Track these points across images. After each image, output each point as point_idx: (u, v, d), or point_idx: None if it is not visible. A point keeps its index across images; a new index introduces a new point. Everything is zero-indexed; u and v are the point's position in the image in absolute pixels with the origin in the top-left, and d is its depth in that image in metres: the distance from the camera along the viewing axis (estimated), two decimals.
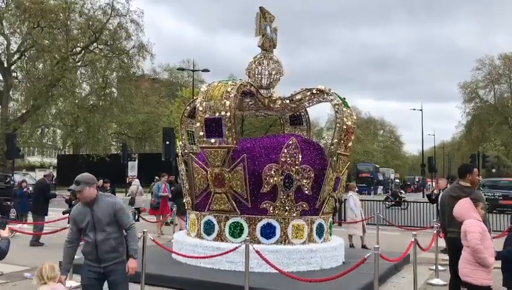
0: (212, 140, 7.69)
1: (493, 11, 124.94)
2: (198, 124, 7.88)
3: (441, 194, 11.81)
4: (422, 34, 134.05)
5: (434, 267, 8.33)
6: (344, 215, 12.80)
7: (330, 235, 8.61)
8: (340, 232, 11.21)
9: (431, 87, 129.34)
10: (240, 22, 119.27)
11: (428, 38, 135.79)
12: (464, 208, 5.36)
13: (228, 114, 7.57)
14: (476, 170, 6.43)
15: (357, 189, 13.21)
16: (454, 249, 5.85)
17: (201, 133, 7.79)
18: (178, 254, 7.95)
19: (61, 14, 34.60)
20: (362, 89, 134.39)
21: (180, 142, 9.17)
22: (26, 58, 35.84)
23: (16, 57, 35.69)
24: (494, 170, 46.57)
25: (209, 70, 34.15)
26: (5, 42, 35.26)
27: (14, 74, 36.49)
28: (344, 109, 8.21)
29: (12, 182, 24.34)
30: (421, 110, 46.71)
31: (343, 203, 15.48)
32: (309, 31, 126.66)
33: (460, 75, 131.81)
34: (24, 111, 36.23)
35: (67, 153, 48.59)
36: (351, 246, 11.27)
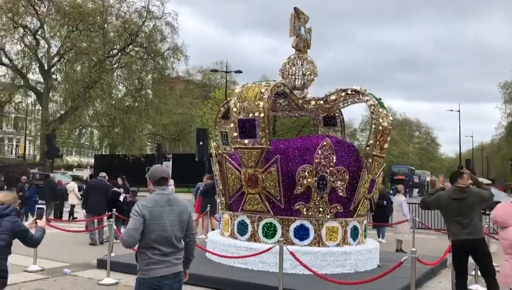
0: (246, 141, 7.71)
1: None
2: (232, 124, 7.93)
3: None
4: (450, 33, 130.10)
5: (473, 273, 8.08)
6: (380, 218, 12.60)
7: (365, 237, 8.49)
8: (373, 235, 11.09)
9: (463, 87, 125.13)
10: (265, 22, 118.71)
11: (456, 37, 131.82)
12: (507, 212, 5.14)
13: (262, 115, 7.58)
14: (465, 175, 6.44)
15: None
16: (460, 251, 6.06)
17: (235, 134, 7.83)
18: (212, 253, 8.02)
19: (98, 18, 35.50)
20: (390, 90, 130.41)
21: (214, 143, 9.24)
22: (65, 60, 36.92)
23: (55, 59, 36.83)
24: None
25: (241, 72, 34.30)
26: (46, 46, 36.43)
27: (53, 76, 37.67)
28: (380, 110, 8.08)
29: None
30: (459, 111, 45.51)
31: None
32: (332, 30, 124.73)
33: (494, 75, 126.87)
34: (63, 112, 37.27)
35: (103, 153, 49.70)
36: (400, 251, 11.13)
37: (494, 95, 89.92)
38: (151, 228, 3.67)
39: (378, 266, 8.02)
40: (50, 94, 37.34)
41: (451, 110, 47.19)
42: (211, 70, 46.11)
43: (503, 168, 59.64)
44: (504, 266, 5.03)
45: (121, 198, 11.83)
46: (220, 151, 8.89)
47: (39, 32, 35.76)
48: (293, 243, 7.55)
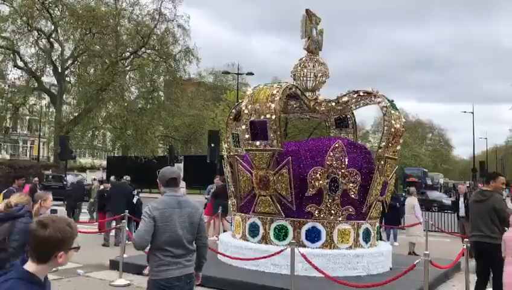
0: (257, 142, 7.72)
1: None
2: (243, 126, 7.94)
3: (460, 199, 12.04)
4: (463, 33, 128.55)
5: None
6: (391, 219, 12.50)
7: (377, 240, 8.44)
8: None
9: (477, 88, 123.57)
10: (276, 23, 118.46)
11: (470, 38, 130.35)
12: None
13: (273, 117, 7.58)
14: (501, 178, 6.47)
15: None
16: (477, 253, 6.23)
17: (247, 136, 7.83)
18: (223, 255, 8.03)
19: (111, 21, 35.78)
20: (402, 91, 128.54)
21: (226, 145, 9.26)
22: (78, 63, 37.28)
23: (69, 62, 37.21)
24: None
25: (253, 74, 34.30)
26: (60, 48, 36.83)
27: (67, 79, 38.06)
28: (392, 112, 8.04)
29: (65, 182, 25.43)
30: (472, 112, 45.05)
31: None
32: (344, 31, 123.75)
33: (508, 76, 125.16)
34: (76, 114, 37.60)
35: (116, 154, 50.08)
36: (412, 253, 11.04)
37: (509, 96, 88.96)
38: (161, 229, 3.67)
39: (391, 268, 7.96)
40: (64, 96, 37.73)
41: (465, 112, 46.74)
42: (222, 72, 46.15)
43: None
44: None
45: (135, 200, 11.90)
46: (231, 153, 8.91)
47: (53, 36, 36.17)
48: (304, 246, 7.53)
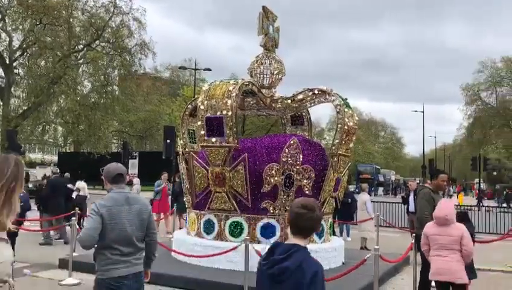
0: (213, 139, 7.68)
1: (484, 11, 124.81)
2: (199, 122, 7.87)
3: (411, 195, 12.59)
4: (416, 34, 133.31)
5: None
6: (344, 216, 12.78)
7: (330, 235, 8.60)
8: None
9: (428, 88, 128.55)
10: (234, 20, 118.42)
11: (420, 39, 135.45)
12: (453, 210, 5.37)
13: (229, 113, 7.56)
14: (441, 176, 6.79)
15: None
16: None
17: (203, 132, 7.78)
18: (178, 253, 7.95)
19: (63, 12, 34.56)
20: (355, 90, 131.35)
21: (181, 141, 9.16)
22: (28, 55, 35.78)
23: (18, 53, 35.63)
24: (495, 173, 46.48)
25: (210, 70, 34.15)
26: (8, 39, 35.20)
27: (16, 71, 36.45)
28: (345, 110, 8.20)
29: None
30: (423, 112, 46.75)
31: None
32: (298, 30, 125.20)
33: (458, 77, 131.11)
34: (25, 108, 36.14)
35: (68, 150, 48.52)
36: (364, 248, 11.29)
37: (457, 96, 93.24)
38: (109, 227, 3.57)
39: (343, 263, 8.13)
40: (12, 89, 36.13)
41: (416, 111, 48.48)
42: (179, 68, 45.58)
43: (464, 168, 61.70)
44: (448, 262, 5.14)
45: (74, 195, 11.55)
46: (187, 150, 8.82)
47: (0, 25, 34.56)
48: (259, 242, 7.56)
